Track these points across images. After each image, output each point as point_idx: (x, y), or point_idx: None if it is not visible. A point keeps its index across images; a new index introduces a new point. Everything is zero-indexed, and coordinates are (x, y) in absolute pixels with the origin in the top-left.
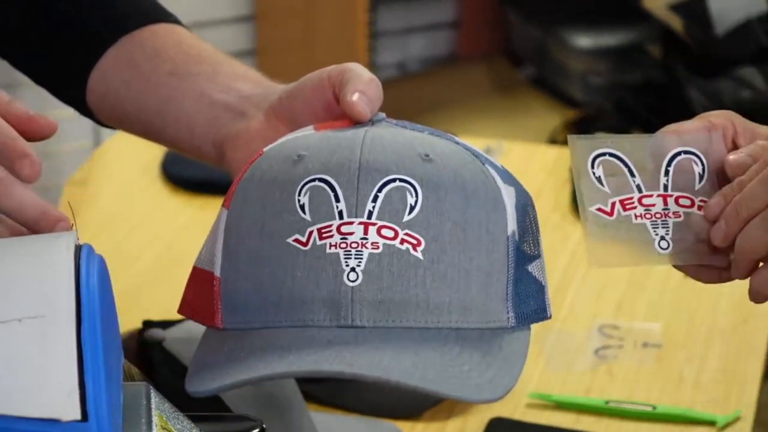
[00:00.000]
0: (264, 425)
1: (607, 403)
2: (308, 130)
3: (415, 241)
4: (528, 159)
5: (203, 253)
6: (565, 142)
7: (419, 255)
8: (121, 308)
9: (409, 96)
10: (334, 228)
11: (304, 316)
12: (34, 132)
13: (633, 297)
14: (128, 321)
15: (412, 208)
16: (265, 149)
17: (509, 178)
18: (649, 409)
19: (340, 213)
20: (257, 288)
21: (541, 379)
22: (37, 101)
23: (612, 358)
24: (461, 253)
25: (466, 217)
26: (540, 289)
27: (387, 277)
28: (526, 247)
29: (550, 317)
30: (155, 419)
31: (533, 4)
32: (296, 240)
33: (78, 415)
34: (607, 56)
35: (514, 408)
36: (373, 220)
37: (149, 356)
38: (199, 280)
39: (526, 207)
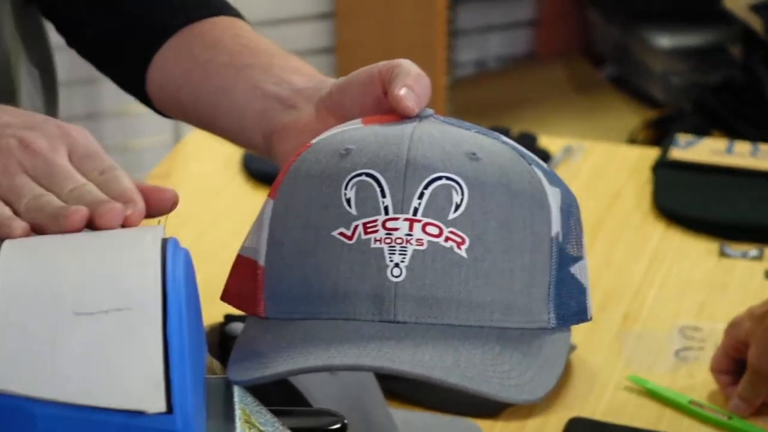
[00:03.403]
0: (345, 421)
1: (690, 402)
2: (356, 124)
3: (459, 240)
4: (609, 159)
5: (248, 242)
6: (644, 142)
7: (463, 253)
8: (202, 302)
9: (487, 94)
10: (379, 223)
11: (346, 310)
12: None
13: (715, 298)
14: (210, 315)
15: (457, 207)
16: (312, 141)
17: (555, 179)
18: (725, 418)
19: (386, 208)
20: (301, 279)
21: (621, 380)
22: (117, 97)
23: (693, 360)
24: (505, 253)
25: (510, 217)
26: (582, 291)
27: (430, 274)
28: (569, 249)
29: (591, 319)
30: (238, 412)
31: (614, 3)
32: (341, 233)
33: (163, 408)
34: (687, 56)
35: (595, 405)
36: (419, 216)
37: (231, 350)
38: (243, 268)
39: (570, 208)
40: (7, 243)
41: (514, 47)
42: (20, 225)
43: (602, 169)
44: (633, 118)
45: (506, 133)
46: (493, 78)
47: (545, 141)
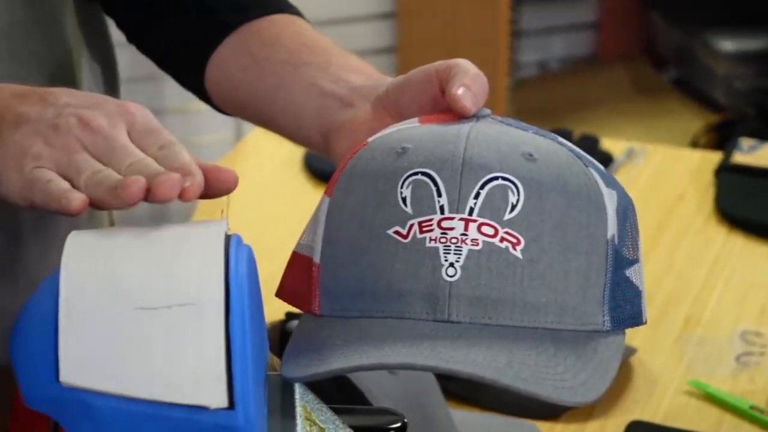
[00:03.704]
0: (406, 420)
1: (750, 407)
2: (413, 123)
3: (514, 240)
4: (671, 162)
5: (303, 239)
6: (706, 146)
7: (518, 254)
8: (263, 300)
9: (549, 96)
10: (434, 222)
11: (401, 308)
12: (216, 180)
13: None
14: (271, 312)
15: (513, 207)
16: (369, 140)
17: (611, 182)
18: None
19: (442, 208)
20: (356, 277)
21: (681, 384)
22: (179, 94)
23: (754, 365)
24: (560, 254)
25: (566, 219)
26: (637, 294)
27: (485, 275)
28: (625, 252)
29: (646, 323)
30: (299, 409)
31: (677, 6)
32: (397, 232)
33: (225, 403)
34: (751, 60)
35: (655, 409)
36: (474, 216)
37: None
38: (299, 265)
39: (626, 211)
40: (70, 237)
41: (576, 49)
42: (79, 197)
43: (664, 173)
44: (695, 121)
45: (568, 135)
46: (556, 79)
47: (607, 143)
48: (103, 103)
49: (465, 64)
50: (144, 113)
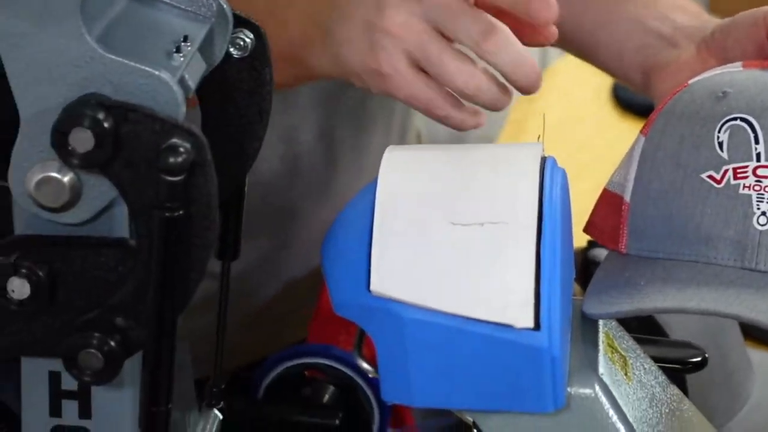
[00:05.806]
0: (707, 355)
1: None
2: (735, 67)
3: None
4: None
5: (615, 177)
6: None
7: None
8: None
9: None
10: (750, 169)
11: (708, 253)
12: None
13: None
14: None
15: None
16: (690, 82)
17: None
18: None
19: (758, 155)
20: (665, 218)
21: None
22: None
23: None
24: None
25: None
26: None
27: None
28: None
29: None
30: (601, 336)
31: None
32: (710, 176)
33: (531, 324)
34: None
35: None
36: None
37: (591, 276)
38: (609, 203)
39: None
40: (388, 151)
41: None
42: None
43: None
44: None
45: None
46: None
47: None
48: None
49: None
50: None
